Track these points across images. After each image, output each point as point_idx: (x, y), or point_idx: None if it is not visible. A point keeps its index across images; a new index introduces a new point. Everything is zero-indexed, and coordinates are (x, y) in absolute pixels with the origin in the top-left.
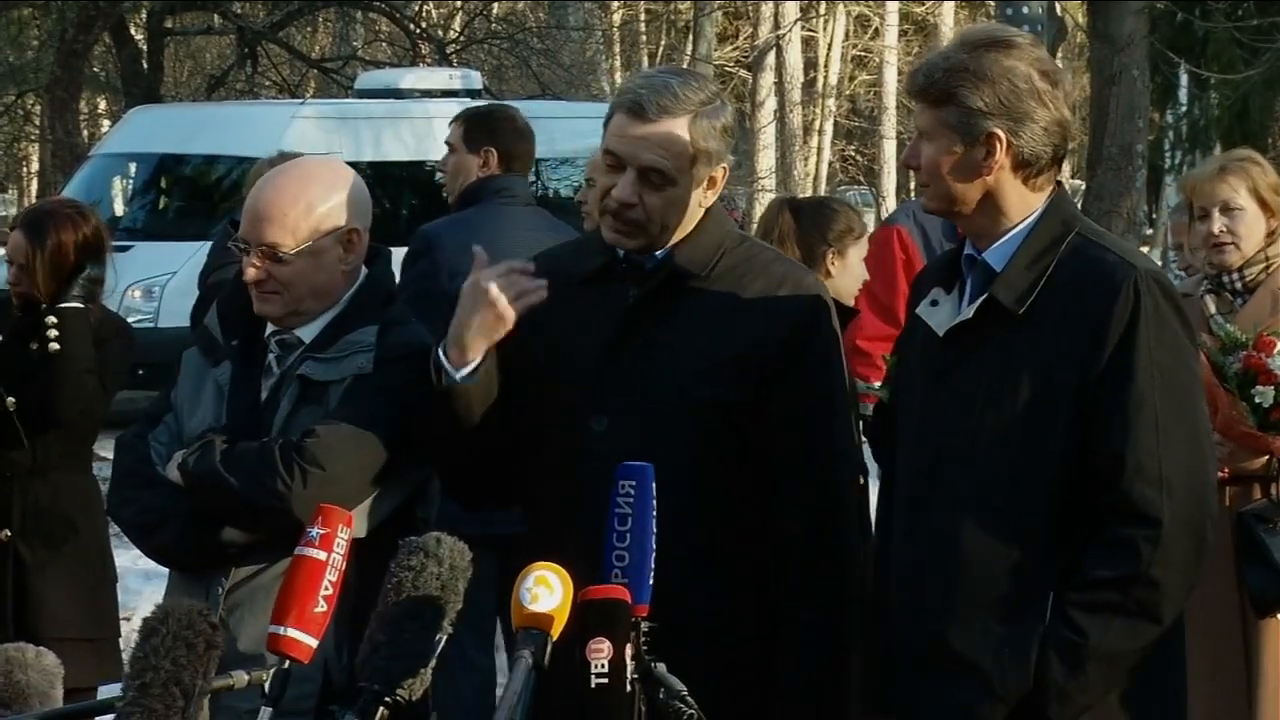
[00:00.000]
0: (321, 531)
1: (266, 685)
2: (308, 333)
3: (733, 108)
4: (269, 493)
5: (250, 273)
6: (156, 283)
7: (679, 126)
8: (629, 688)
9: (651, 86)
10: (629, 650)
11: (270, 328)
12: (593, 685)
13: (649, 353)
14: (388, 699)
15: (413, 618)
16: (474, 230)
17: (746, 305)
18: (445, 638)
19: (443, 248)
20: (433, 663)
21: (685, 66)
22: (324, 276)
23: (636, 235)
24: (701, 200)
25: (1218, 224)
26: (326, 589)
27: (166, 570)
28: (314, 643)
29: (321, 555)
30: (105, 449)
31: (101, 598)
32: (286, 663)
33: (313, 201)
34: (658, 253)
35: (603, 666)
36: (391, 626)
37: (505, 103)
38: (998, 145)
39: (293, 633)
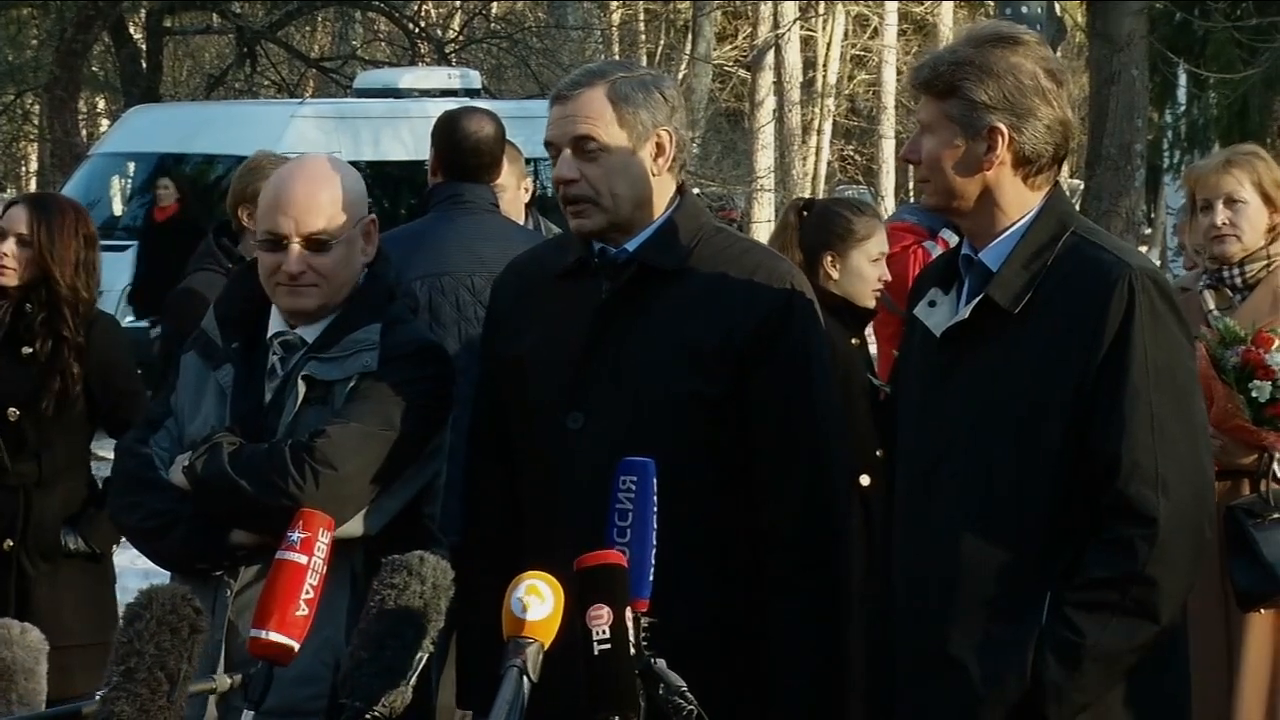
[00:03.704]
0: (302, 535)
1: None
2: (310, 333)
3: (673, 82)
4: (281, 494)
5: (294, 265)
6: None
7: (597, 95)
8: (644, 647)
9: (570, 76)
10: (629, 614)
11: (273, 329)
12: (596, 653)
13: (623, 347)
14: (368, 715)
15: (395, 635)
16: (419, 241)
17: (720, 296)
18: (427, 656)
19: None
20: (414, 680)
21: (683, 66)
22: (353, 267)
23: (592, 213)
24: (653, 169)
25: (1220, 216)
26: (308, 592)
27: (166, 570)
28: (295, 645)
29: (303, 559)
30: (103, 449)
31: (105, 601)
32: (261, 664)
33: (337, 191)
34: (629, 245)
35: (604, 633)
36: (374, 644)
37: (476, 106)
38: (1000, 140)
39: (274, 636)
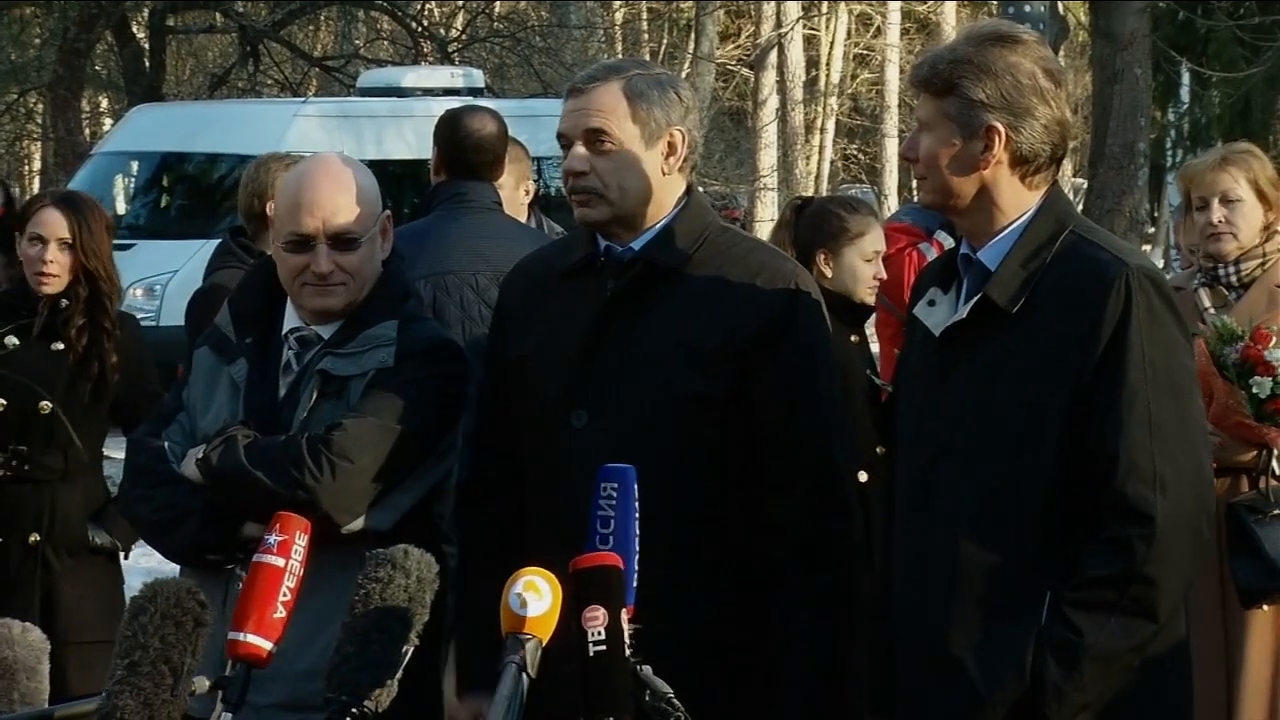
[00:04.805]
0: (279, 538)
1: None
2: (326, 329)
3: (688, 85)
4: (297, 485)
5: (323, 264)
6: (158, 281)
7: (612, 89)
8: (628, 653)
9: (587, 70)
10: (625, 615)
11: (288, 325)
12: (591, 654)
13: (627, 346)
14: (354, 710)
15: (380, 629)
16: (422, 240)
17: (724, 295)
18: (412, 649)
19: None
20: (399, 674)
21: (686, 65)
22: (375, 264)
23: (597, 204)
24: (663, 167)
25: (1217, 214)
26: (285, 595)
27: (171, 567)
28: (271, 647)
29: (279, 562)
30: (113, 449)
31: (119, 599)
32: (238, 665)
33: (358, 189)
34: (635, 244)
35: (599, 634)
36: (359, 638)
37: (478, 104)
38: (996, 139)
39: (251, 638)
